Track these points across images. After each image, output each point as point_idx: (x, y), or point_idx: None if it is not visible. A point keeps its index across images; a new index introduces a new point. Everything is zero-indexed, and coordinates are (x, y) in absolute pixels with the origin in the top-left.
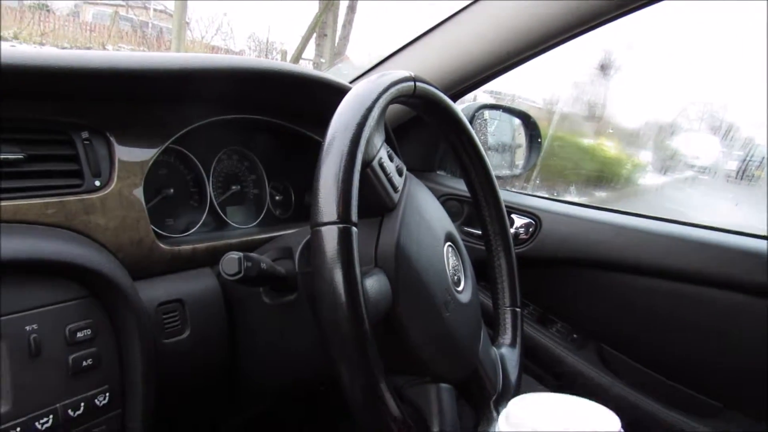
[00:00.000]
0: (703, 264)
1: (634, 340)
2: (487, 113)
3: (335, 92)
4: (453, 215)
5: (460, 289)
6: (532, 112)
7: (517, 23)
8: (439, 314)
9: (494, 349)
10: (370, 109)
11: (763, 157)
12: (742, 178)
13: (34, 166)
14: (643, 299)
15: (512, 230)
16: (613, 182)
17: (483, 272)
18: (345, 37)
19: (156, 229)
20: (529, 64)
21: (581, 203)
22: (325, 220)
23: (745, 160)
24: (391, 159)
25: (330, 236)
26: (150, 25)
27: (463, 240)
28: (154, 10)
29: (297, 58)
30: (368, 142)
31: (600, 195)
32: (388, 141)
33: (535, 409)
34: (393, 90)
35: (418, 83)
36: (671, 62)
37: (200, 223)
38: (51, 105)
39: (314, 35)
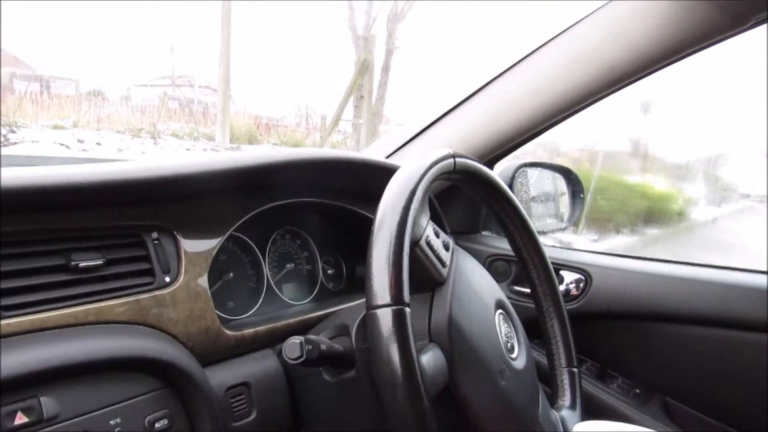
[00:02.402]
0: (758, 310)
1: (698, 391)
2: (528, 171)
3: (380, 172)
4: (501, 275)
5: (514, 356)
6: (575, 154)
7: (550, 88)
8: (496, 383)
9: (554, 412)
10: (413, 192)
11: None
12: None
13: (112, 269)
14: (703, 348)
15: (563, 287)
16: (665, 219)
17: (536, 330)
18: (381, 97)
19: (219, 313)
20: None
21: (630, 255)
22: (380, 303)
23: None
24: (437, 235)
25: (386, 319)
26: (196, 101)
27: (513, 299)
28: (199, 86)
29: (336, 120)
30: (414, 223)
31: (652, 233)
32: (432, 212)
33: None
34: (434, 170)
35: (457, 159)
36: (715, 92)
37: (259, 303)
38: (125, 211)
39: (351, 97)
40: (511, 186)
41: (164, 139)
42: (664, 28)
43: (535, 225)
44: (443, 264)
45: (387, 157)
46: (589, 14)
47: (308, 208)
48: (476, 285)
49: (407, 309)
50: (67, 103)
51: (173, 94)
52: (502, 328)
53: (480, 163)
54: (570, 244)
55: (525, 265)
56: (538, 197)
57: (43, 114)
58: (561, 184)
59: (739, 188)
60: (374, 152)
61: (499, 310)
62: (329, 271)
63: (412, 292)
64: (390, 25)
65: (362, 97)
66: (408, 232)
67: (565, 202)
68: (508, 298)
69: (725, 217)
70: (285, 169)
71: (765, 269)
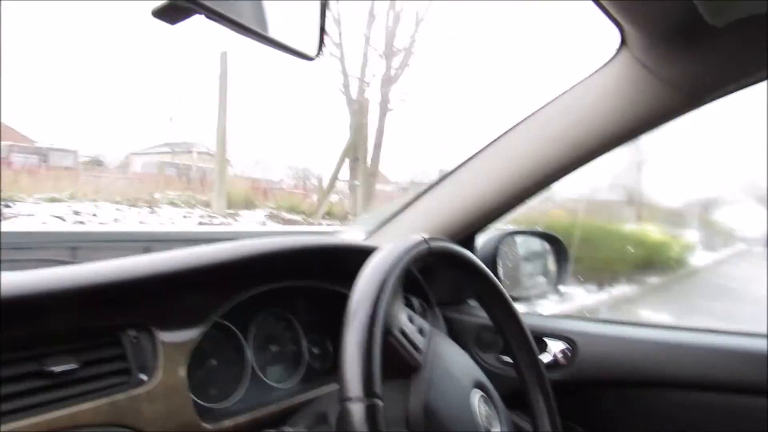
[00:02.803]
0: (747, 374)
1: None
2: (514, 239)
3: (357, 252)
4: (488, 346)
5: None
6: (571, 204)
7: (525, 165)
8: None
9: None
10: (385, 282)
11: None
12: None
13: (87, 372)
14: (695, 414)
15: (548, 356)
16: (663, 266)
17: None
18: (376, 158)
19: (199, 402)
20: None
21: (615, 321)
22: (351, 395)
23: None
24: (411, 321)
25: (357, 414)
26: (195, 168)
27: (500, 370)
28: (198, 153)
29: (332, 183)
30: (388, 311)
31: (652, 281)
32: (415, 285)
33: None
34: (407, 258)
35: (431, 243)
36: (704, 139)
37: (242, 389)
38: (101, 311)
39: (347, 160)
40: (496, 254)
41: (161, 207)
42: (624, 109)
43: (523, 291)
44: (418, 350)
45: (369, 235)
46: (557, 97)
47: (291, 290)
48: (453, 368)
49: (379, 402)
50: (64, 175)
51: (172, 161)
52: (481, 409)
53: (453, 242)
54: (571, 297)
55: (505, 338)
56: (526, 264)
57: (40, 186)
58: (549, 255)
59: (734, 232)
60: (357, 229)
61: (478, 392)
62: (315, 351)
63: (387, 379)
64: (383, 89)
65: (357, 159)
66: (380, 323)
67: (550, 265)
68: (496, 369)
69: (723, 261)
70: (262, 261)
71: (757, 332)
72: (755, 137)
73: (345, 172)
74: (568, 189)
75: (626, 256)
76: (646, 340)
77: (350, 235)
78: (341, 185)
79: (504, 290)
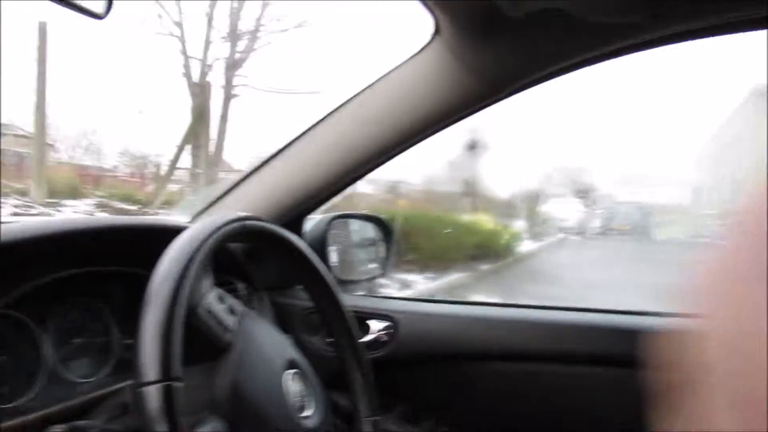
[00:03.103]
0: (560, 343)
1: (509, 427)
2: (342, 222)
3: (168, 233)
4: (316, 329)
5: (306, 415)
6: (412, 195)
7: (348, 147)
8: None
9: None
10: (191, 259)
11: (622, 212)
12: (605, 234)
13: None
14: (510, 384)
15: (371, 335)
16: (494, 254)
17: None
18: (220, 145)
19: None
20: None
21: (435, 299)
22: (147, 380)
23: (605, 216)
24: (222, 300)
25: (152, 397)
26: (10, 153)
27: (329, 352)
28: (14, 135)
29: (171, 171)
30: (193, 290)
31: (483, 268)
32: (238, 268)
33: None
34: (218, 235)
35: (247, 222)
36: (532, 132)
37: (38, 386)
38: None
39: (189, 147)
40: (325, 237)
41: None
42: (436, 96)
43: (355, 274)
44: (227, 330)
45: (194, 217)
46: (377, 80)
47: (98, 276)
48: (265, 348)
49: (176, 384)
50: None
51: None
52: (293, 389)
53: (278, 224)
54: (412, 284)
55: (325, 319)
56: (357, 247)
57: None
58: (378, 238)
59: (555, 222)
60: (183, 212)
61: (291, 370)
62: (129, 341)
63: (193, 362)
64: (228, 73)
65: (200, 145)
66: (181, 302)
67: (381, 249)
68: (323, 351)
69: (544, 249)
70: (54, 242)
71: (559, 305)
72: (576, 137)
73: (187, 160)
74: (411, 180)
75: (462, 244)
76: (462, 315)
77: (174, 218)
78: (182, 173)
79: (325, 271)
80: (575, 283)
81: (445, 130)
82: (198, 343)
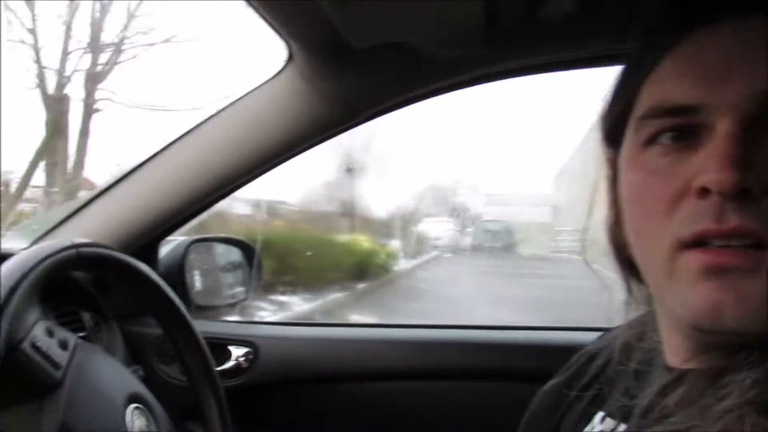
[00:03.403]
0: (421, 360)
1: None
2: (205, 246)
3: None
4: (171, 358)
5: None
6: (290, 216)
7: (202, 169)
8: None
9: None
10: (12, 292)
11: (490, 230)
12: (475, 251)
13: None
14: (374, 403)
15: (231, 362)
16: (371, 273)
17: None
18: (80, 162)
19: None
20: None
21: (296, 322)
22: None
23: (475, 234)
24: (51, 334)
25: None
26: None
27: (183, 382)
28: None
29: (22, 188)
30: (16, 325)
31: (360, 287)
32: (85, 296)
33: None
34: (46, 264)
35: (81, 249)
36: (406, 153)
37: None
38: None
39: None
40: (183, 263)
41: None
42: (291, 120)
43: (218, 299)
44: (57, 366)
45: (33, 242)
46: (233, 102)
47: None
48: (101, 384)
49: None
50: None
51: None
52: (134, 423)
53: (129, 251)
54: (289, 306)
55: (177, 347)
56: (219, 271)
57: None
58: (239, 261)
59: (430, 241)
60: (19, 237)
61: (134, 405)
62: None
63: (18, 402)
64: (88, 86)
65: (56, 162)
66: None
67: (244, 273)
68: (179, 381)
69: (420, 267)
70: None
71: (423, 323)
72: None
73: (41, 178)
74: (288, 200)
75: (340, 264)
76: (323, 338)
77: (10, 243)
78: (37, 192)
79: (174, 298)
80: (446, 298)
81: (304, 153)
82: (22, 381)
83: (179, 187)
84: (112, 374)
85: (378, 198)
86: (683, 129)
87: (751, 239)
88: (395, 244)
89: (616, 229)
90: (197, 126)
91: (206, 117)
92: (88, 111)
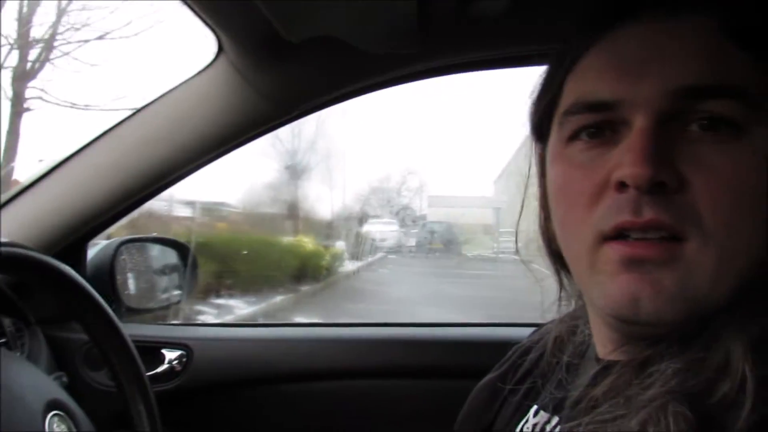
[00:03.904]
0: (360, 359)
1: None
2: (138, 247)
3: None
4: (98, 364)
5: None
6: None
7: (127, 167)
8: None
9: None
10: None
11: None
12: (420, 251)
13: None
14: (311, 403)
15: (164, 366)
16: (316, 275)
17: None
18: (9, 164)
19: None
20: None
21: (231, 323)
22: None
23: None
24: None
25: None
26: None
27: (112, 387)
28: None
29: None
30: None
31: (304, 289)
32: (6, 301)
33: None
34: None
35: None
36: (352, 156)
37: None
38: None
39: None
40: (112, 264)
41: None
42: (223, 114)
43: (152, 301)
44: None
45: None
46: (161, 96)
47: None
48: (18, 389)
49: None
50: None
51: None
52: (55, 431)
53: (50, 252)
54: (233, 309)
55: (104, 353)
56: (153, 272)
57: None
58: (174, 256)
59: (375, 243)
60: None
61: (54, 412)
62: None
63: None
64: (16, 85)
65: None
66: None
67: (179, 274)
68: (106, 387)
69: (364, 268)
70: None
71: (360, 321)
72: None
73: None
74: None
75: (284, 266)
76: (258, 338)
77: None
78: None
79: (101, 301)
80: (391, 299)
81: (245, 153)
82: None
83: (105, 184)
84: (30, 381)
85: (322, 200)
86: (602, 125)
87: (666, 232)
88: (340, 245)
89: (546, 224)
90: (124, 121)
91: (134, 111)
92: (18, 110)
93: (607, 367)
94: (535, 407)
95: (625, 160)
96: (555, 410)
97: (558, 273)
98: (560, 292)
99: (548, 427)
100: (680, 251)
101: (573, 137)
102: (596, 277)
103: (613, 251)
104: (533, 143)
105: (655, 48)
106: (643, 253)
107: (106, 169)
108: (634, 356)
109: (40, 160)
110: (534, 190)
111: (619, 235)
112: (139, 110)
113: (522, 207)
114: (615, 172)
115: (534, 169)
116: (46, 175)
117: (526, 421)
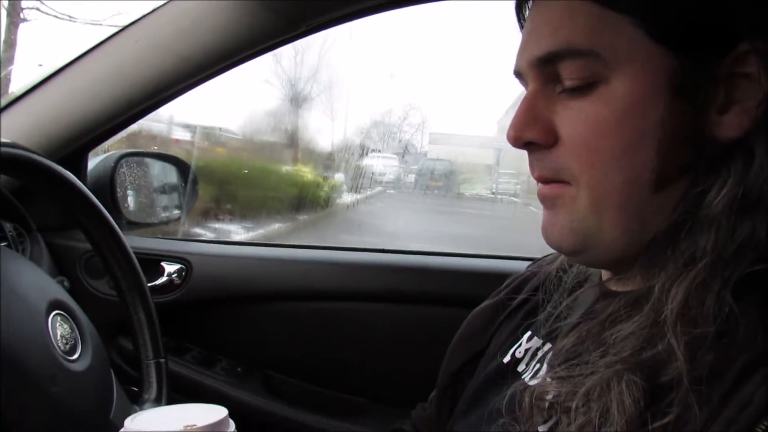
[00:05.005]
0: (354, 282)
1: (294, 360)
2: (138, 161)
3: None
4: (99, 272)
5: (73, 358)
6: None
7: (130, 77)
8: (44, 391)
9: (136, 407)
10: None
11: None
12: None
13: None
14: (305, 322)
15: (164, 278)
16: (313, 204)
17: None
18: (6, 76)
19: None
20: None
21: (230, 241)
22: None
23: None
24: None
25: None
26: None
27: (111, 297)
28: None
29: None
30: None
31: (302, 218)
32: (8, 205)
33: (147, 417)
34: None
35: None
36: (355, 88)
37: None
38: None
39: None
40: (112, 176)
41: None
42: (228, 26)
43: (151, 216)
44: None
45: None
46: (163, 5)
47: None
48: (20, 288)
49: None
50: None
51: None
52: (57, 330)
53: (35, 152)
54: (228, 234)
55: (105, 260)
56: (153, 188)
57: None
58: (174, 173)
59: (374, 176)
60: None
61: (56, 311)
62: None
63: None
64: None
65: None
66: None
67: (179, 191)
68: (106, 295)
69: (362, 201)
70: None
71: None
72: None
73: None
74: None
75: (282, 194)
76: (256, 257)
77: None
78: None
79: (103, 209)
80: (387, 233)
81: (241, 66)
82: None
83: (106, 93)
84: (33, 280)
85: (323, 131)
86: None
87: (555, 179)
88: (339, 177)
89: None
90: (126, 27)
91: (136, 18)
92: (14, 21)
93: (607, 295)
94: (529, 333)
95: None
96: (548, 337)
97: None
98: None
99: (540, 353)
100: (567, 192)
101: None
102: None
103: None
104: None
105: (533, 20)
106: (543, 192)
107: (108, 77)
108: (631, 288)
109: (40, 65)
110: None
111: None
112: (142, 18)
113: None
114: None
115: None
116: (45, 80)
117: (519, 345)
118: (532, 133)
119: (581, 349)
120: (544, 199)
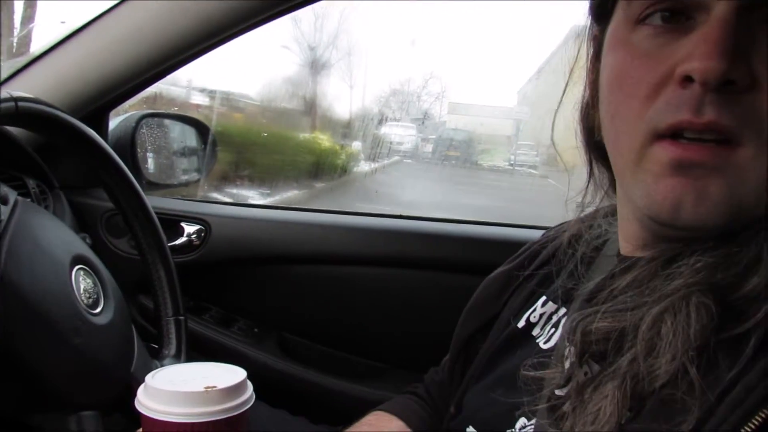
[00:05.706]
0: (369, 247)
1: (309, 322)
2: (158, 123)
3: None
4: (120, 231)
5: (96, 311)
6: (249, 110)
7: (152, 36)
8: (67, 342)
9: (156, 362)
10: None
11: (452, 139)
12: (436, 158)
13: None
14: (322, 285)
15: (183, 238)
16: (331, 172)
17: None
18: (27, 34)
19: None
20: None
21: (248, 204)
22: None
23: (437, 143)
24: None
25: None
26: None
27: (132, 255)
28: None
29: None
30: None
31: (318, 185)
32: (31, 162)
33: (168, 375)
34: None
35: (21, 103)
36: (374, 55)
37: None
38: None
39: None
40: (133, 135)
41: None
42: None
43: (171, 177)
44: None
45: None
46: None
47: None
48: (45, 242)
49: None
50: None
51: None
52: (80, 284)
53: (59, 108)
54: (245, 200)
55: (126, 218)
56: (173, 149)
57: None
58: (193, 135)
59: (392, 146)
60: None
61: (79, 266)
62: None
63: None
64: None
65: None
66: None
67: (198, 153)
68: (127, 254)
69: (379, 170)
70: None
71: (362, 211)
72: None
73: None
74: (249, 94)
75: (299, 161)
76: (274, 220)
77: None
78: None
79: (124, 167)
80: (403, 202)
81: (259, 28)
82: None
83: (127, 52)
84: (57, 234)
85: (341, 98)
86: (676, 10)
87: (724, 135)
88: (356, 145)
89: (590, 111)
90: None
91: None
92: None
93: (630, 263)
94: (543, 297)
95: (697, 51)
96: (564, 301)
97: (590, 163)
98: (588, 183)
99: (555, 317)
100: (734, 157)
101: (640, 20)
102: (640, 176)
103: (664, 152)
104: (589, 24)
105: None
106: (693, 157)
107: (129, 36)
108: (660, 253)
109: (63, 22)
110: (566, 96)
111: (673, 134)
112: None
113: (553, 125)
114: (682, 65)
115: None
116: (68, 38)
117: (534, 310)
118: (738, 70)
119: (632, 288)
120: (694, 164)
